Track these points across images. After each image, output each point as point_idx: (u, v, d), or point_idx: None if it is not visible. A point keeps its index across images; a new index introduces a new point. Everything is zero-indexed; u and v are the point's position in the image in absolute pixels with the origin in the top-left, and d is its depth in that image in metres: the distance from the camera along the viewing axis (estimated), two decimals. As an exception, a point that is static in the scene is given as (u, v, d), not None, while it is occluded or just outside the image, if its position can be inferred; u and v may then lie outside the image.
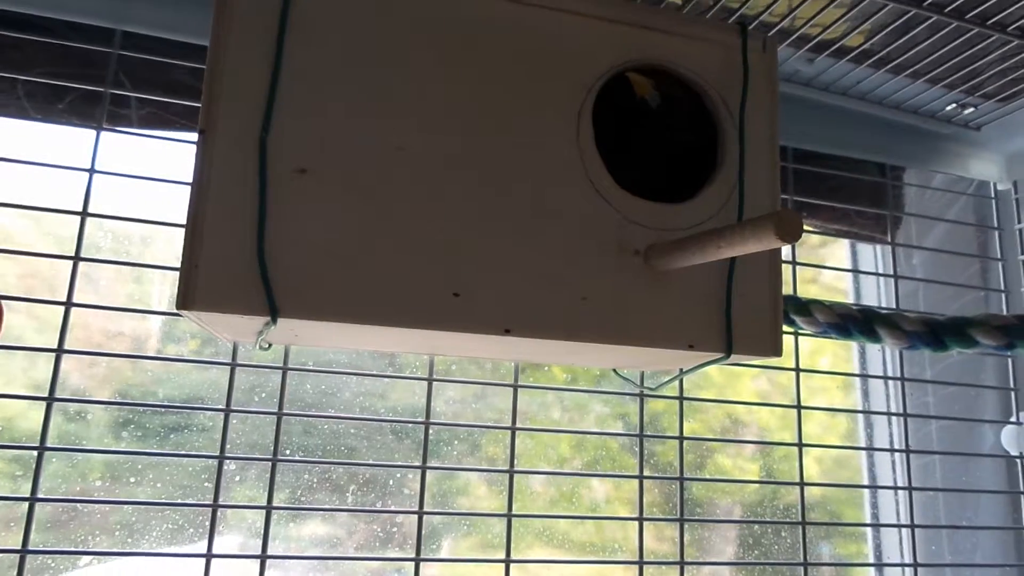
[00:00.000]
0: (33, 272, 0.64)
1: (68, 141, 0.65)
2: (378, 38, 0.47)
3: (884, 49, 0.70)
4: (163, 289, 0.69)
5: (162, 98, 0.66)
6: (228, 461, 0.64)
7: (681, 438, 0.74)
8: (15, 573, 0.56)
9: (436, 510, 0.71)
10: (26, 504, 0.57)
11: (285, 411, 0.64)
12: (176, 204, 0.64)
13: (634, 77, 0.52)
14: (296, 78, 0.45)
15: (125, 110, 0.65)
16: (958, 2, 0.62)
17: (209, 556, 0.59)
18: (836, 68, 0.74)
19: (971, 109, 0.80)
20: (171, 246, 0.68)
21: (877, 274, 0.90)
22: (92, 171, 0.62)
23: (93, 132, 0.63)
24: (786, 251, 0.81)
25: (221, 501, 0.61)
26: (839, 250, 0.94)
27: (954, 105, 0.80)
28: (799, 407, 0.78)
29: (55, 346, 0.60)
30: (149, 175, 0.64)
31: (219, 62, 0.44)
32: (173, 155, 0.66)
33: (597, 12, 0.52)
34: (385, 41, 0.47)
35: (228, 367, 0.63)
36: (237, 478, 0.67)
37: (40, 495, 0.58)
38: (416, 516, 0.65)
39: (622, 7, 0.54)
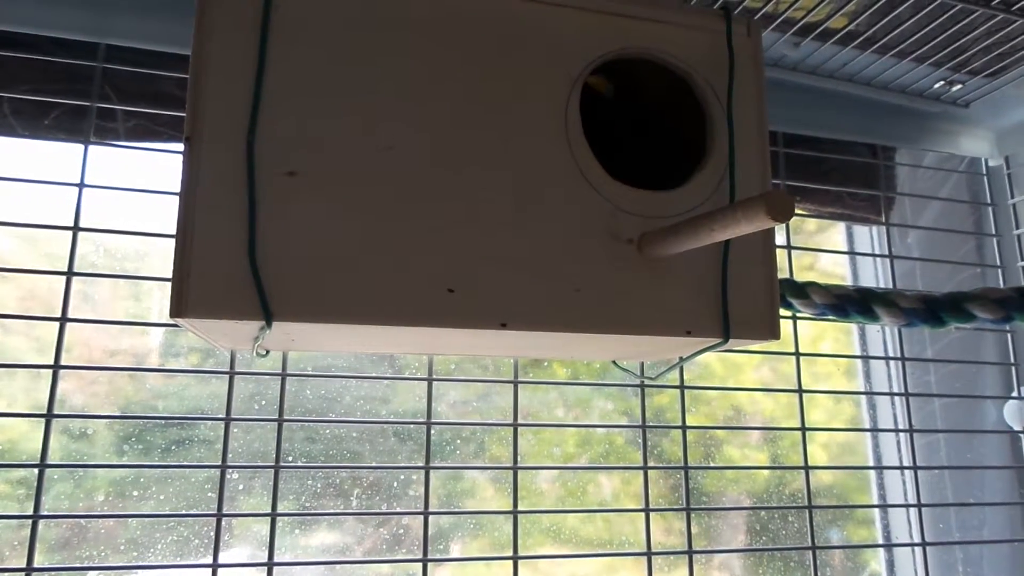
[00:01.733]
0: (31, 294, 0.64)
1: (56, 157, 0.65)
2: (362, 37, 0.47)
3: (869, 30, 0.70)
4: (161, 305, 0.69)
5: (149, 110, 0.65)
6: (233, 473, 0.64)
7: (684, 427, 0.74)
8: (21, 592, 0.56)
9: (440, 510, 0.71)
10: (30, 524, 0.57)
11: (286, 418, 0.64)
12: (168, 216, 0.64)
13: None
14: (281, 80, 0.45)
15: (112, 123, 0.65)
16: (940, -21, 0.62)
17: (215, 566, 0.59)
18: (822, 51, 0.74)
19: (959, 86, 0.80)
20: (166, 261, 0.68)
21: (873, 255, 0.90)
22: (82, 185, 0.62)
23: (81, 146, 0.63)
24: (781, 237, 0.81)
25: (226, 512, 0.61)
26: (835, 235, 0.94)
27: (941, 83, 0.80)
28: (800, 391, 0.78)
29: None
30: (139, 187, 0.64)
31: (202, 68, 0.44)
32: (163, 166, 0.66)
33: (581, 3, 0.52)
34: (369, 40, 0.47)
35: (227, 377, 0.63)
36: (241, 487, 0.67)
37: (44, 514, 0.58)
38: (422, 517, 0.65)
39: (605, -3, 0.54)
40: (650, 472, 0.72)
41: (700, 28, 0.55)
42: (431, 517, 0.66)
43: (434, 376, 0.68)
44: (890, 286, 0.86)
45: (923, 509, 0.80)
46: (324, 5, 0.47)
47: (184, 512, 0.66)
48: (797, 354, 0.79)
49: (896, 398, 0.86)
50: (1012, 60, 0.75)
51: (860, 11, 0.67)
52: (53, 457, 0.59)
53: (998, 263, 0.90)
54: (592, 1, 0.52)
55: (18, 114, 0.63)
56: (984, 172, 0.94)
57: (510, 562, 0.66)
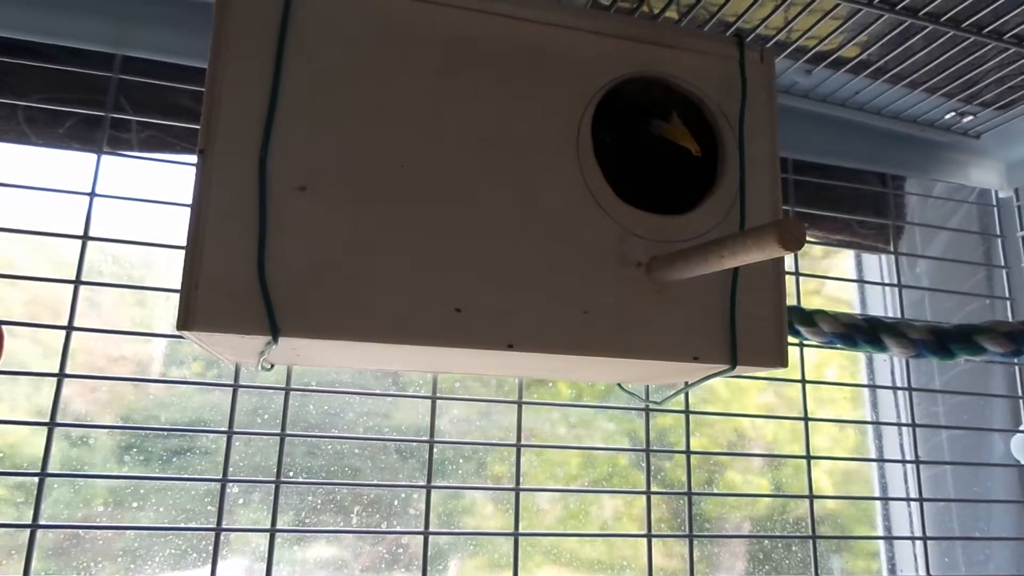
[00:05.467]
0: (37, 299, 0.64)
1: (69, 166, 0.65)
2: (378, 56, 0.47)
3: (881, 59, 0.70)
4: (166, 313, 0.69)
5: (162, 121, 0.66)
6: (232, 484, 0.64)
7: (688, 452, 0.73)
8: (17, 601, 0.56)
9: (442, 530, 0.70)
10: (28, 532, 0.57)
11: (288, 432, 0.64)
12: (178, 227, 0.64)
13: (672, 129, 0.52)
14: (296, 97, 0.45)
15: (126, 134, 0.65)
16: (954, 11, 0.62)
17: (213, 581, 0.59)
18: (834, 79, 0.74)
19: (970, 117, 0.80)
20: (173, 269, 0.68)
21: (881, 284, 0.90)
22: (93, 195, 0.62)
23: (94, 156, 0.64)
24: (789, 262, 0.81)
25: (225, 525, 0.61)
26: (843, 261, 0.94)
27: (953, 114, 0.80)
28: (806, 419, 0.77)
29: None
30: (150, 198, 0.64)
31: (218, 82, 0.44)
32: (174, 178, 0.66)
33: (595, 27, 0.52)
34: (385, 58, 0.47)
35: (230, 389, 0.63)
36: (241, 501, 0.66)
37: (43, 522, 0.58)
38: (422, 537, 0.65)
39: (620, 21, 0.54)
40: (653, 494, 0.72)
41: (713, 54, 0.55)
42: (430, 535, 0.65)
43: (438, 394, 0.68)
44: (898, 315, 0.85)
45: (928, 542, 0.79)
46: (341, 23, 0.47)
47: (183, 526, 0.66)
48: (803, 381, 0.78)
49: (903, 428, 0.85)
50: (1023, 93, 0.75)
51: (872, 41, 0.67)
52: (53, 463, 0.59)
53: (1007, 295, 0.90)
54: (607, 25, 0.53)
55: (32, 122, 0.64)
56: (994, 203, 0.93)
57: (509, 584, 0.66)
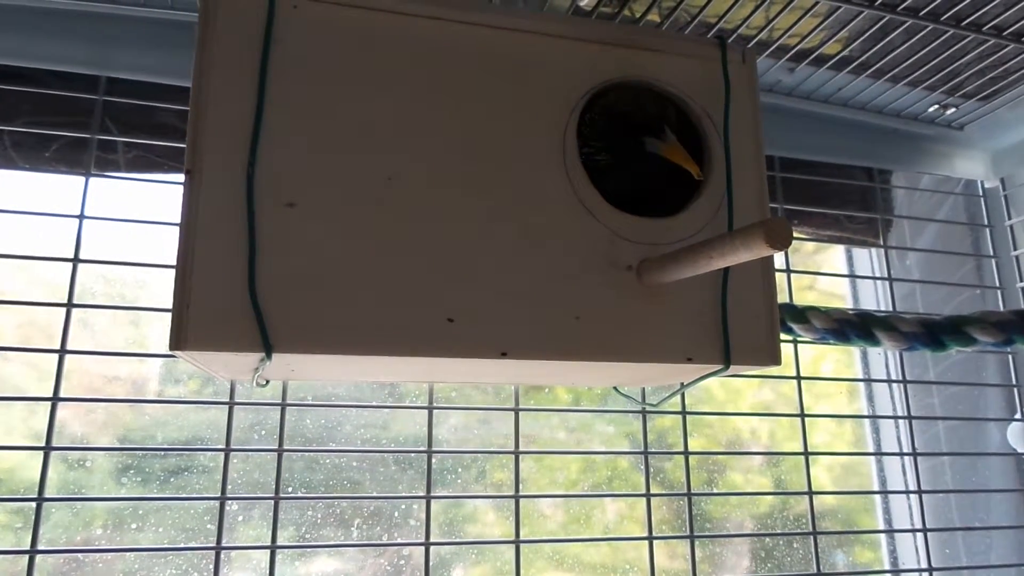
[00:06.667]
0: (30, 321, 0.64)
1: (57, 189, 0.65)
2: (362, 70, 0.47)
3: (863, 55, 0.70)
4: (161, 332, 0.69)
5: (149, 141, 0.66)
6: (231, 502, 0.64)
7: (686, 453, 0.74)
8: (18, 628, 0.55)
9: (443, 540, 0.70)
10: (27, 558, 0.57)
11: (285, 447, 0.64)
12: (168, 246, 0.64)
13: (669, 149, 0.51)
14: (281, 113, 0.45)
15: (112, 155, 0.65)
16: (932, 5, 0.63)
17: (215, 599, 0.58)
18: (817, 76, 0.74)
19: (953, 109, 0.81)
20: (166, 288, 0.68)
21: (872, 278, 0.91)
22: (82, 217, 0.62)
23: (81, 178, 0.64)
24: (780, 259, 0.81)
25: (225, 542, 0.61)
26: (835, 255, 0.94)
27: (936, 106, 0.81)
28: (802, 415, 0.78)
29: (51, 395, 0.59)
30: (139, 218, 0.64)
31: (202, 101, 0.44)
32: (162, 197, 0.66)
33: (577, 33, 0.53)
34: (369, 72, 0.47)
35: (227, 406, 0.63)
36: (240, 518, 0.66)
37: (42, 546, 0.58)
38: (423, 547, 0.65)
39: (601, 27, 0.54)
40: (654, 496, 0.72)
41: (695, 56, 0.56)
42: (432, 546, 0.65)
43: (434, 404, 0.68)
44: (890, 307, 0.86)
45: (929, 533, 0.79)
46: (324, 37, 0.47)
47: (183, 546, 0.65)
48: (799, 378, 0.79)
49: (900, 421, 0.85)
50: (1005, 83, 0.76)
51: (854, 37, 0.67)
52: (51, 486, 0.59)
53: (997, 284, 0.91)
54: (589, 31, 0.53)
55: (19, 147, 0.63)
56: (980, 194, 0.94)
57: (512, 591, 0.66)
